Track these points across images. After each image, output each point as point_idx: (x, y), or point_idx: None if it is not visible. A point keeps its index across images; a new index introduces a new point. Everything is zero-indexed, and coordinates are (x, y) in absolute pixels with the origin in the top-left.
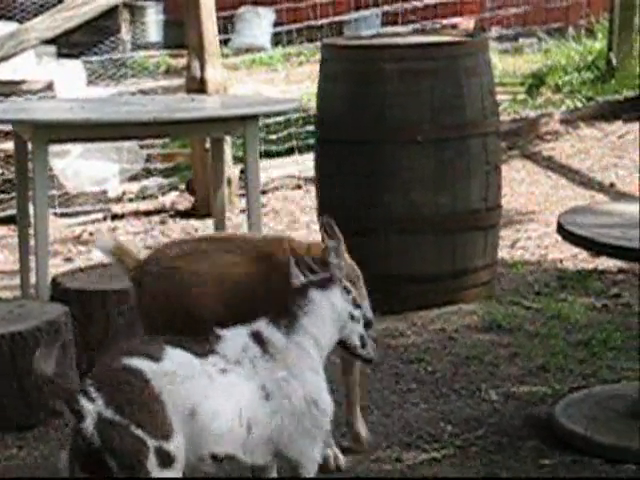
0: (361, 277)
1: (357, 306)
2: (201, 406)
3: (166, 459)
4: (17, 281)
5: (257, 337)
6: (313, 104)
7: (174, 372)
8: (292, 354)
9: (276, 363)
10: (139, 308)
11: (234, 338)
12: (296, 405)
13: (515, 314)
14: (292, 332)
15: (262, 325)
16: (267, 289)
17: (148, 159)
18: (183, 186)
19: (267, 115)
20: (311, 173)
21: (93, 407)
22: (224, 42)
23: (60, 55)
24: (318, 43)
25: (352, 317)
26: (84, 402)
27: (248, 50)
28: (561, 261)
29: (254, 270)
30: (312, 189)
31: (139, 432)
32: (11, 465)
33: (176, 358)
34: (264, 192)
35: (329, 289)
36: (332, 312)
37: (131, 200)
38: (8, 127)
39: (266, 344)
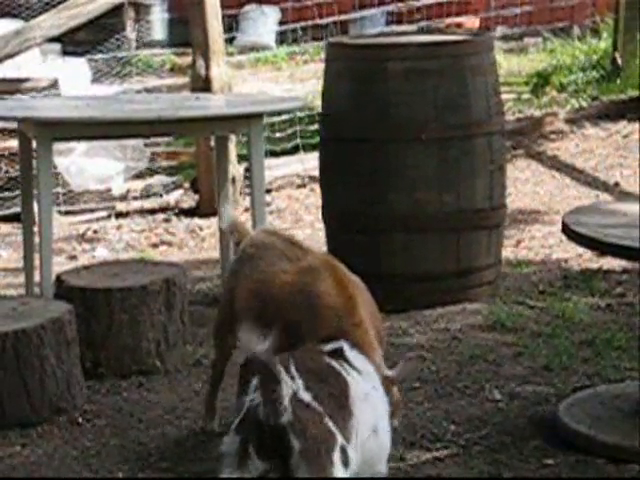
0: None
1: None
2: (380, 424)
3: (346, 460)
4: (21, 279)
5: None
6: (318, 103)
7: (361, 387)
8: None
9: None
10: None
11: (350, 353)
12: None
13: (519, 313)
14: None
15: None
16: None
17: (152, 157)
18: (187, 184)
19: (272, 114)
20: (316, 172)
21: (292, 384)
22: (229, 40)
23: (65, 53)
24: (323, 42)
25: None
26: (285, 376)
27: (253, 48)
28: (565, 261)
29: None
30: (317, 188)
31: (331, 425)
32: (15, 463)
33: (354, 372)
34: (268, 191)
35: None
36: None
37: (135, 198)
38: (13, 125)
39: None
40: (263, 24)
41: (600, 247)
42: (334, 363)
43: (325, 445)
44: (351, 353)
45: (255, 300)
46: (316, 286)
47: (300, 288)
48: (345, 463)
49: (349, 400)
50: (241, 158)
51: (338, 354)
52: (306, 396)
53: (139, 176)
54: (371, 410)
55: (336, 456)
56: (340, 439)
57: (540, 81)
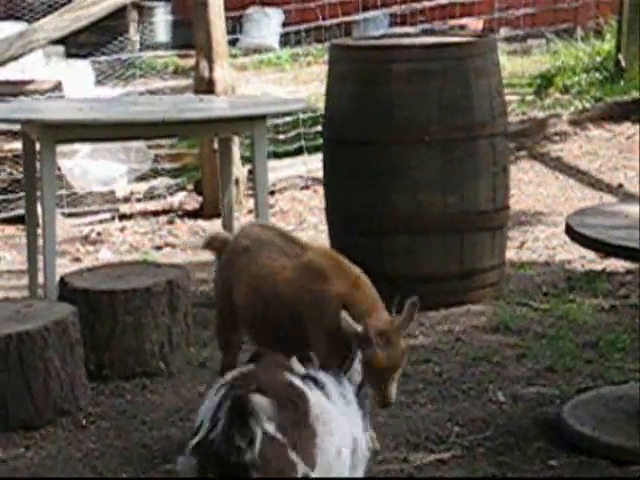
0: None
1: None
2: (343, 444)
3: None
4: (25, 281)
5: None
6: (321, 104)
7: (323, 402)
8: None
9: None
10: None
11: (319, 372)
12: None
13: (523, 315)
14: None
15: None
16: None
17: (156, 159)
18: (191, 186)
19: (275, 115)
20: (319, 173)
21: (261, 425)
22: (232, 42)
23: (68, 55)
24: (326, 43)
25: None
26: (260, 416)
27: (256, 50)
28: (569, 262)
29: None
30: (320, 189)
31: (294, 455)
32: (18, 464)
33: (316, 389)
34: (272, 192)
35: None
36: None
37: (139, 200)
38: (16, 127)
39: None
40: (266, 26)
41: (604, 248)
42: (295, 380)
43: (284, 476)
44: (319, 373)
45: (257, 296)
46: (320, 282)
47: (304, 285)
48: None
49: (312, 420)
50: (245, 160)
51: (305, 375)
52: (270, 428)
53: (143, 178)
54: (337, 424)
55: None
56: (302, 469)
57: (543, 83)
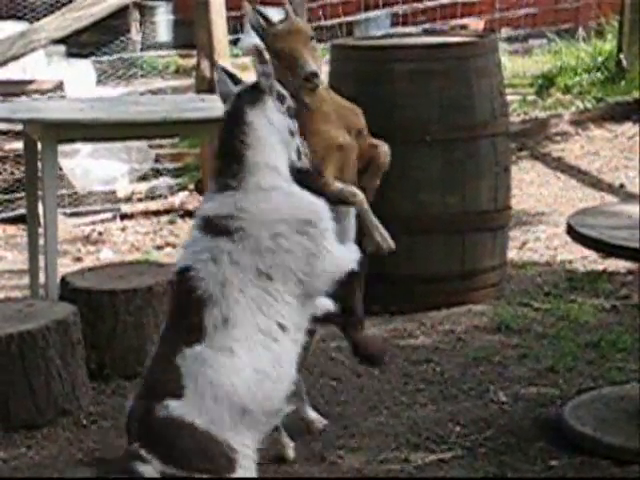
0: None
1: (290, 115)
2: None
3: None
4: (26, 281)
5: (213, 229)
6: None
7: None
8: (260, 205)
9: (249, 235)
10: None
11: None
12: (294, 239)
13: (524, 315)
14: (245, 179)
15: (209, 208)
16: None
17: (157, 159)
18: (192, 186)
19: None
20: None
21: (152, 469)
22: (234, 42)
23: (70, 55)
24: (328, 43)
25: (291, 133)
26: (142, 467)
27: None
28: (570, 262)
29: None
30: None
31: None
32: (20, 464)
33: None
34: None
35: (262, 103)
36: (273, 133)
37: (140, 200)
38: (18, 127)
39: (228, 228)
40: None
41: (605, 249)
42: (169, 408)
43: None
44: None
45: None
46: None
47: None
48: None
49: (202, 432)
50: None
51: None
52: (169, 469)
53: (144, 178)
54: None
55: None
56: None
57: (545, 83)
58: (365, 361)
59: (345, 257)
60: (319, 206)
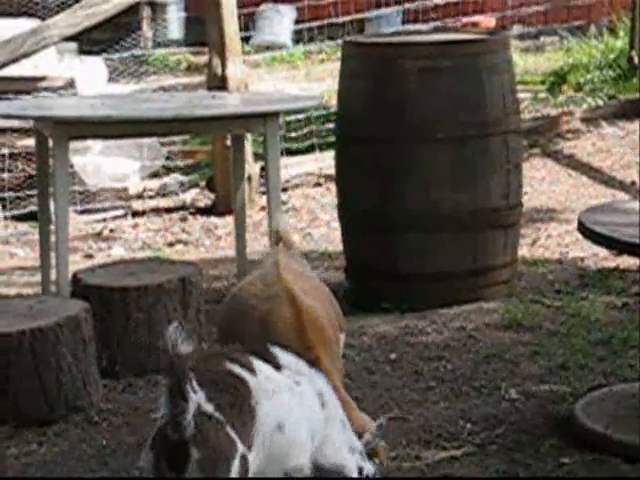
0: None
1: None
2: (287, 420)
3: (245, 468)
4: (38, 277)
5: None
6: (334, 101)
7: (268, 386)
8: None
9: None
10: None
11: (282, 351)
12: (341, 413)
13: (535, 312)
14: None
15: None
16: None
17: (169, 156)
18: (203, 183)
19: (288, 112)
20: (331, 171)
21: (196, 397)
22: (245, 39)
23: (81, 52)
24: (339, 41)
25: None
26: (189, 391)
27: (269, 47)
28: (582, 259)
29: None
30: (332, 187)
31: (233, 434)
32: (31, 461)
33: (265, 371)
34: (284, 190)
35: None
36: None
37: (151, 197)
38: (29, 124)
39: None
40: (279, 23)
41: (616, 246)
42: (235, 368)
43: (224, 454)
44: (274, 348)
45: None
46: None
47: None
48: (244, 471)
49: (251, 403)
50: (257, 157)
51: (254, 353)
52: (209, 407)
53: (155, 175)
54: (275, 406)
55: (235, 464)
56: (241, 447)
57: (557, 80)
58: None
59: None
60: None
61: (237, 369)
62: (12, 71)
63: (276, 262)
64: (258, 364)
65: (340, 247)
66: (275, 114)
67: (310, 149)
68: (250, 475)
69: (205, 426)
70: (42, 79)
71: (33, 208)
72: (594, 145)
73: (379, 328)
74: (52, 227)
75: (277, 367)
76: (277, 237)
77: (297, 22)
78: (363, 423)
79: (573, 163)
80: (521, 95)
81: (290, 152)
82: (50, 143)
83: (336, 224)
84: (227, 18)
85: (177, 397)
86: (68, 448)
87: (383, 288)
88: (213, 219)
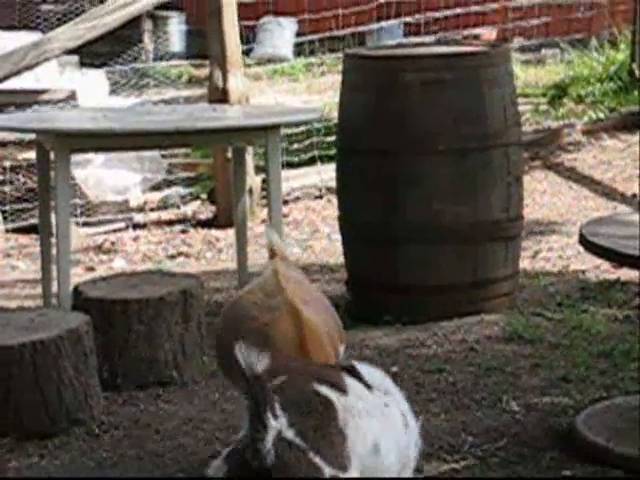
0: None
1: None
2: (381, 442)
3: None
4: (39, 290)
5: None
6: (335, 114)
7: (359, 406)
8: None
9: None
10: None
11: (363, 369)
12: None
13: (537, 325)
14: None
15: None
16: None
17: (170, 169)
18: (205, 196)
19: (289, 125)
20: (333, 183)
21: (276, 424)
22: (246, 52)
23: (83, 65)
24: (340, 53)
25: None
26: (269, 417)
27: (270, 60)
28: (583, 272)
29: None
30: (334, 199)
31: (317, 459)
32: (32, 474)
33: (357, 390)
34: (286, 202)
35: None
36: None
37: (153, 210)
38: (31, 136)
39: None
40: (280, 36)
41: (618, 258)
42: (323, 389)
43: None
44: (362, 367)
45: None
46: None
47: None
48: None
49: (339, 424)
50: (258, 169)
51: (347, 370)
52: (290, 434)
53: (156, 187)
54: (369, 427)
55: None
56: (328, 471)
57: (558, 92)
58: None
59: None
60: None
61: (325, 390)
62: (14, 84)
63: (275, 271)
64: (351, 382)
65: (341, 259)
66: (276, 127)
67: (311, 162)
68: None
69: (286, 454)
70: (43, 92)
71: (34, 221)
72: (595, 157)
73: (380, 340)
74: (53, 240)
75: (368, 387)
76: (271, 252)
77: (298, 35)
78: None
79: (574, 175)
80: (522, 108)
81: (291, 164)
82: (51, 156)
83: (337, 236)
84: (228, 31)
85: (257, 422)
86: (69, 461)
87: (384, 300)
88: (214, 232)
